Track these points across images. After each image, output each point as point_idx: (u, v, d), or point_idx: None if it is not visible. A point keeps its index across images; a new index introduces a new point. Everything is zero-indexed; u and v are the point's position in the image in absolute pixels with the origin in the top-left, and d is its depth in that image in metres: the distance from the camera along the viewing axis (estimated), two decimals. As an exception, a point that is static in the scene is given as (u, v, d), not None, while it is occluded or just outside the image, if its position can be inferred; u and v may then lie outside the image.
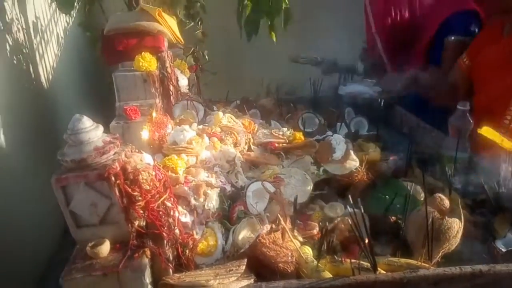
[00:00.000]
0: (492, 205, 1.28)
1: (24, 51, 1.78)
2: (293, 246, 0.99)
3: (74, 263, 0.83)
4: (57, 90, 2.12)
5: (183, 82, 2.06)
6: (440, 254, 1.03)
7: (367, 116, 1.82)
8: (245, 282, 0.88)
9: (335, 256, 1.03)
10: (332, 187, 1.32)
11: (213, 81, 2.83)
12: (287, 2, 2.39)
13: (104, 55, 1.39)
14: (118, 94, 1.32)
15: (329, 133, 1.55)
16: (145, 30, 1.36)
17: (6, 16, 1.62)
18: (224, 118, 1.36)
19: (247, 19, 2.50)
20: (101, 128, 0.87)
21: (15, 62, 1.70)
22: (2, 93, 1.51)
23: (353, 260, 1.00)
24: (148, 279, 0.85)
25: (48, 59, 2.10)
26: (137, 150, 0.93)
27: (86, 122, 0.84)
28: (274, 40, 2.50)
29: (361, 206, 1.00)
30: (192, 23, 2.65)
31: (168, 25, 1.42)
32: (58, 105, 2.09)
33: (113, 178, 0.82)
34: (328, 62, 2.32)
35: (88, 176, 0.82)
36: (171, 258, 0.92)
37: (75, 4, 1.75)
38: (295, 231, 1.10)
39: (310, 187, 1.27)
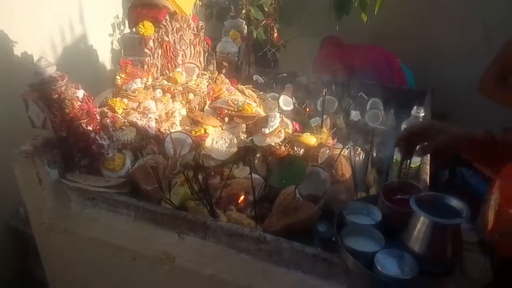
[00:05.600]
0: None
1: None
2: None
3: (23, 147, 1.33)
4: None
5: (233, 49, 2.45)
6: (281, 224, 1.19)
7: None
8: (106, 190, 1.25)
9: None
10: (252, 155, 1.53)
11: (287, 55, 3.14)
12: None
13: (128, 19, 1.85)
14: (123, 50, 1.77)
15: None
16: (153, 3, 1.76)
17: None
18: (192, 80, 1.69)
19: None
20: (53, 68, 1.32)
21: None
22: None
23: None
24: (56, 169, 1.30)
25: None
26: (80, 87, 1.37)
27: (43, 61, 1.31)
28: (364, 20, 2.58)
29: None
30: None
31: (175, 2, 1.78)
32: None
33: (44, 100, 1.27)
34: None
35: (33, 95, 1.29)
36: (82, 164, 1.36)
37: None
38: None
39: (233, 149, 1.52)
